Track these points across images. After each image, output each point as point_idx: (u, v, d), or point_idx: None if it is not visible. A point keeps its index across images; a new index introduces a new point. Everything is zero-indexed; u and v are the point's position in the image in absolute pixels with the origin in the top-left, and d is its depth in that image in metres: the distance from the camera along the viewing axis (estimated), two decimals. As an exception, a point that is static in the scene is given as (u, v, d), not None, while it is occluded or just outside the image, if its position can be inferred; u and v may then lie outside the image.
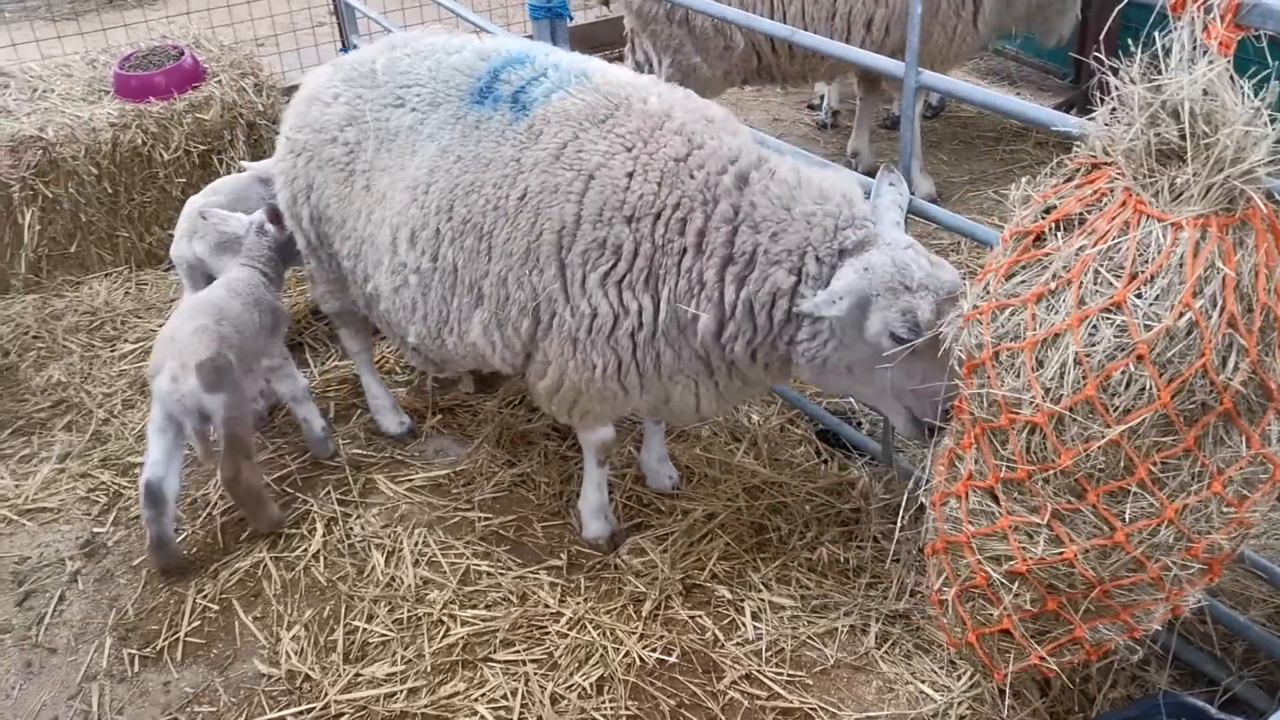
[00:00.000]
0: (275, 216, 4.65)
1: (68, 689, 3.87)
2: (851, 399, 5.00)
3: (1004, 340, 2.59)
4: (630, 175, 3.56)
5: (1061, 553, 2.62)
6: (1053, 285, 2.47)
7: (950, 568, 3.03)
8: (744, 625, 3.97)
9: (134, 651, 3.98)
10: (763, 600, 4.06)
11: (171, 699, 3.82)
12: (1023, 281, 2.60)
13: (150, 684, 3.88)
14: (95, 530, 4.49)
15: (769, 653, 3.86)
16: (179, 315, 4.44)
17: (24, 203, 6.03)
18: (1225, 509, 2.53)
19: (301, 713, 3.71)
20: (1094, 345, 2.37)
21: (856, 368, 3.46)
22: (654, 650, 3.87)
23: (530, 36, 5.43)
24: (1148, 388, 2.35)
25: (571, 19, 5.38)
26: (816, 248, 3.39)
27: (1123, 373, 2.35)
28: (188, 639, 4.03)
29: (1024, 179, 2.80)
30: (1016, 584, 2.81)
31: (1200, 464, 2.47)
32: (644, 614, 4.01)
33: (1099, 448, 2.43)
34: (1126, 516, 2.50)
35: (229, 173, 6.39)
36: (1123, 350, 2.34)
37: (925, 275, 3.26)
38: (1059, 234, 2.56)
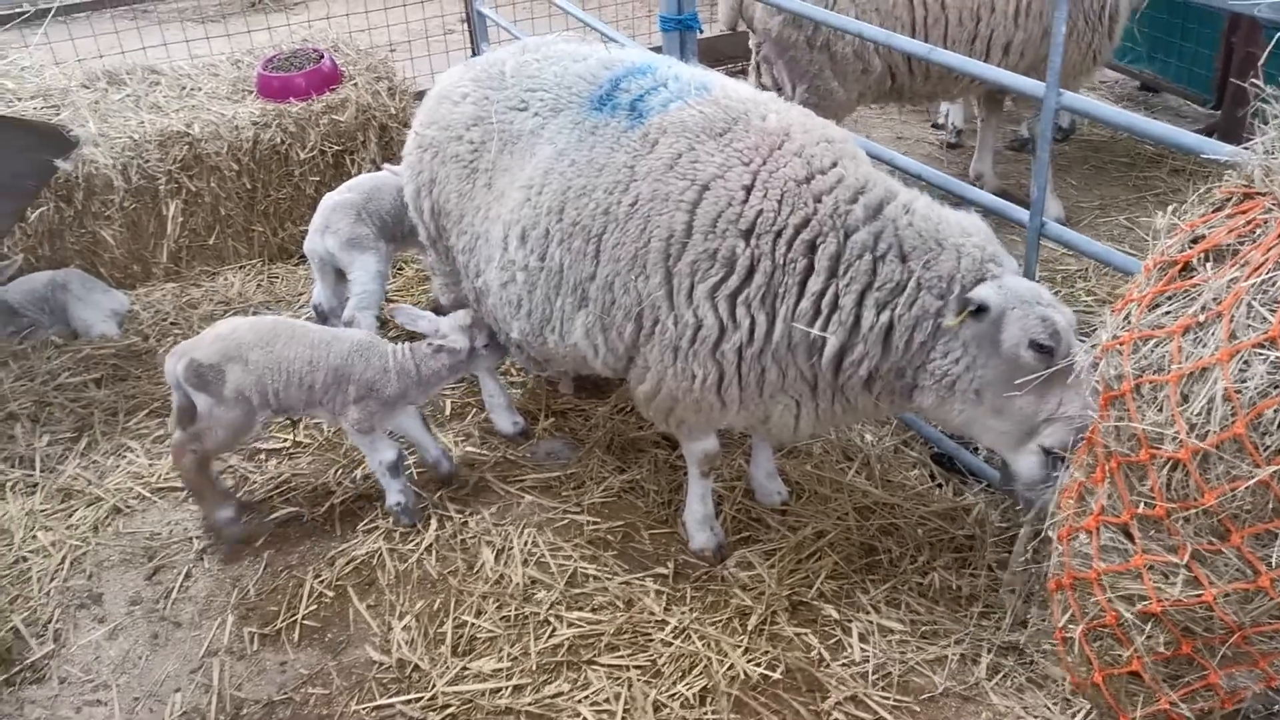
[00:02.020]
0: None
1: (190, 662, 4.03)
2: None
3: (1146, 372, 2.51)
4: (748, 189, 3.58)
5: (1200, 595, 2.52)
6: (1202, 318, 2.39)
7: (1077, 605, 2.94)
8: (851, 646, 3.92)
9: (254, 630, 4.13)
10: (871, 622, 4.01)
11: (287, 678, 3.94)
12: (1168, 313, 2.52)
13: (267, 662, 4.01)
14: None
15: (875, 676, 3.81)
16: (248, 321, 4.50)
17: (169, 195, 6.31)
18: (1381, 558, 2.41)
19: (410, 701, 3.79)
20: (1245, 381, 2.29)
21: (987, 391, 3.44)
22: (758, 665, 3.85)
23: (659, 48, 5.47)
24: (1304, 428, 2.25)
25: (702, 31, 5.40)
26: (964, 276, 3.45)
27: (1275, 411, 2.26)
28: (304, 622, 4.16)
29: (1169, 207, 2.72)
30: (1149, 625, 2.71)
31: (1357, 510, 2.36)
32: (749, 628, 4.00)
33: (1246, 488, 2.33)
34: (1273, 561, 2.40)
35: (360, 174, 6.60)
36: (1276, 388, 2.25)
37: (1053, 298, 3.40)
38: (1208, 265, 2.48)
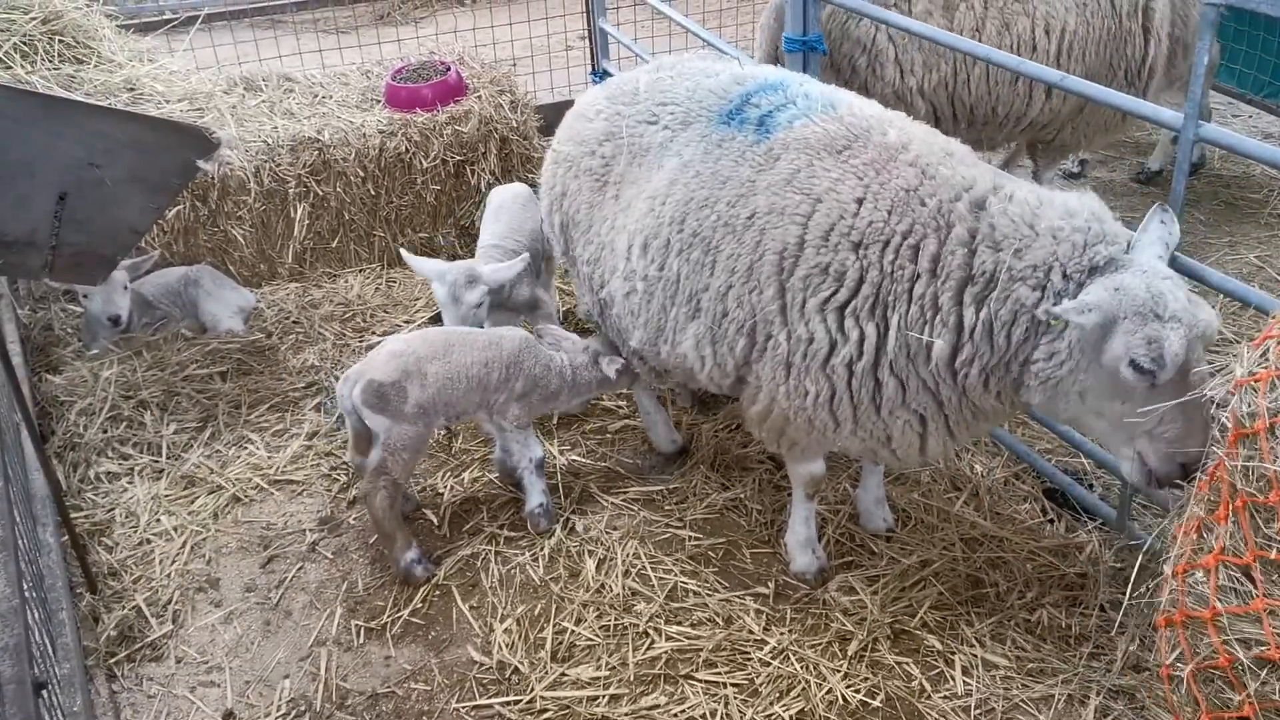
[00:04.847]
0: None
1: (299, 650, 4.15)
2: (1083, 452, 4.78)
3: None
4: (860, 201, 3.56)
5: None
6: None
7: (1188, 644, 2.85)
8: (953, 679, 3.86)
9: (361, 624, 4.24)
10: (974, 656, 3.93)
11: (391, 672, 4.03)
12: (1311, 353, 2.44)
13: (373, 656, 4.11)
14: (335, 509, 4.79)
15: (978, 711, 3.74)
16: (415, 336, 4.59)
17: (297, 198, 6.53)
18: None
19: (509, 703, 3.85)
20: None
21: (1089, 395, 3.29)
22: (857, 691, 3.81)
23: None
24: None
25: (826, 53, 5.39)
26: (1065, 263, 3.24)
27: None
28: (409, 619, 4.25)
29: None
30: (1265, 671, 2.61)
31: None
32: (849, 653, 3.96)
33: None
34: None
35: (479, 184, 6.78)
36: None
37: (1180, 308, 3.09)
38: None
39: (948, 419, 3.67)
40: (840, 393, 3.69)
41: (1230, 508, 2.65)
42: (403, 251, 5.26)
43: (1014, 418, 5.05)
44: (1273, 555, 2.52)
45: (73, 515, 4.55)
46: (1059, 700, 3.75)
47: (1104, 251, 3.23)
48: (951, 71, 5.83)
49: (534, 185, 5.92)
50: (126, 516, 4.79)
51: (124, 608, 4.29)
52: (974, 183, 3.49)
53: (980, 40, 5.68)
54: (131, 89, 5.95)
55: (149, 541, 4.66)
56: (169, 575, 4.49)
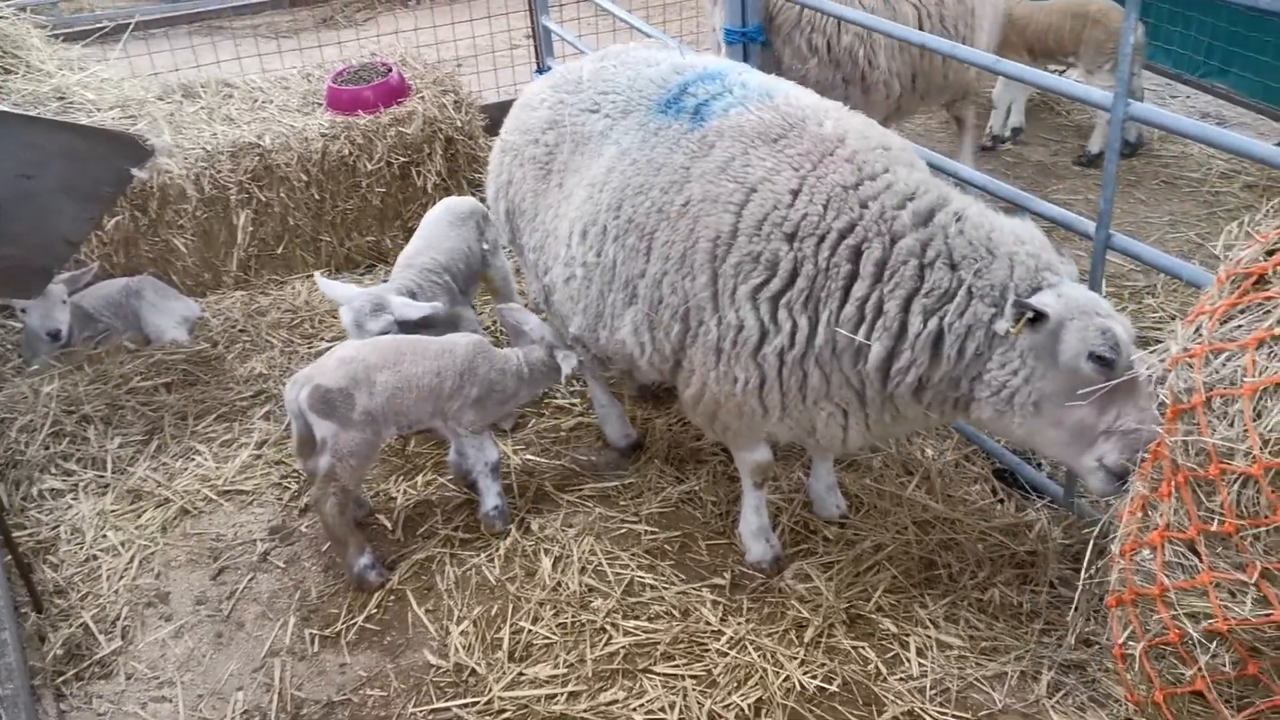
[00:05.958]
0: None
1: (252, 661, 4.10)
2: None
3: (1218, 386, 2.46)
4: (795, 193, 3.59)
5: (1270, 615, 2.45)
6: (1277, 330, 2.33)
7: (1138, 621, 2.89)
8: (908, 661, 3.88)
9: (315, 632, 4.19)
10: (929, 637, 3.96)
11: (346, 680, 3.99)
12: (1240, 326, 2.47)
13: (328, 664, 4.06)
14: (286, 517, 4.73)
15: (933, 691, 3.76)
16: (367, 343, 4.50)
17: (240, 205, 6.44)
18: None
19: (467, 705, 3.82)
20: None
21: (1046, 404, 3.38)
22: (814, 677, 3.82)
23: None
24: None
25: (767, 44, 5.41)
26: (1018, 285, 3.39)
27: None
28: (364, 625, 4.21)
29: (1243, 219, 2.67)
30: (1215, 644, 2.65)
31: None
32: (806, 640, 3.97)
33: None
34: None
35: (425, 185, 6.71)
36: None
37: (1111, 310, 3.35)
38: (1284, 276, 2.43)
39: (867, 416, 3.77)
40: (770, 381, 3.74)
41: (1172, 483, 2.68)
42: (315, 275, 5.24)
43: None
44: (1213, 528, 2.55)
45: (15, 534, 4.47)
46: (1012, 677, 3.79)
47: (1050, 279, 3.42)
48: (919, 53, 6.19)
49: (480, 183, 5.89)
50: (72, 533, 4.70)
51: (71, 625, 4.22)
52: (916, 191, 3.56)
53: (943, 7, 6.14)
54: (62, 98, 5.84)
55: (96, 558, 4.57)
56: (117, 591, 4.41)
